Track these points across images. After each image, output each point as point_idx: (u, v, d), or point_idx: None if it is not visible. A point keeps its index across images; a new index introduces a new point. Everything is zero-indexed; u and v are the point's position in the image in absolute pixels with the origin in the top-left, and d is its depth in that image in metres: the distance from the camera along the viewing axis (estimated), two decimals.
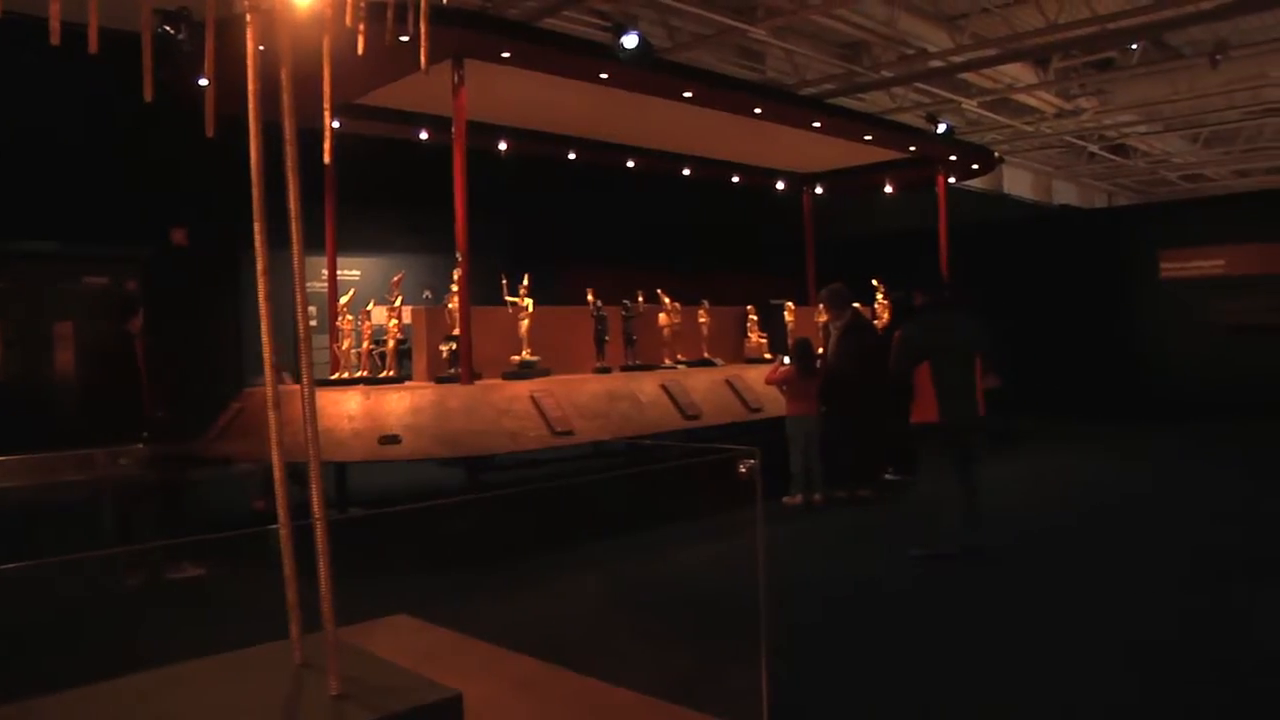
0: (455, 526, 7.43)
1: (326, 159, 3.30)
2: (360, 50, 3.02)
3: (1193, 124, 20.02)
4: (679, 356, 10.11)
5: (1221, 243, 16.14)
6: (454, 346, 7.76)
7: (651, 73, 8.49)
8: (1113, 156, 21.31)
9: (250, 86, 2.84)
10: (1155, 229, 17.17)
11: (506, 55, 7.58)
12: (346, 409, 7.03)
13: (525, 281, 8.41)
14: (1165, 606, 5.42)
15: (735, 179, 12.77)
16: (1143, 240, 16.89)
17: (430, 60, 3.27)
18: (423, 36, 3.15)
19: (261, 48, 2.85)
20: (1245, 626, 5.02)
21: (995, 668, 4.55)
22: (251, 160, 2.84)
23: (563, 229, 14.65)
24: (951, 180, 13.27)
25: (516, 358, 8.28)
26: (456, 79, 7.45)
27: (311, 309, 4.27)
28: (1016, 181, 21.29)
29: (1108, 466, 10.98)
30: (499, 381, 7.90)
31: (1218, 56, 13.42)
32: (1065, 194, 23.45)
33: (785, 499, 8.85)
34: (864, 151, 11.68)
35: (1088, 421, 14.36)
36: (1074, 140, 19.77)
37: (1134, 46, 14.55)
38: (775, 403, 9.35)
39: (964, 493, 6.95)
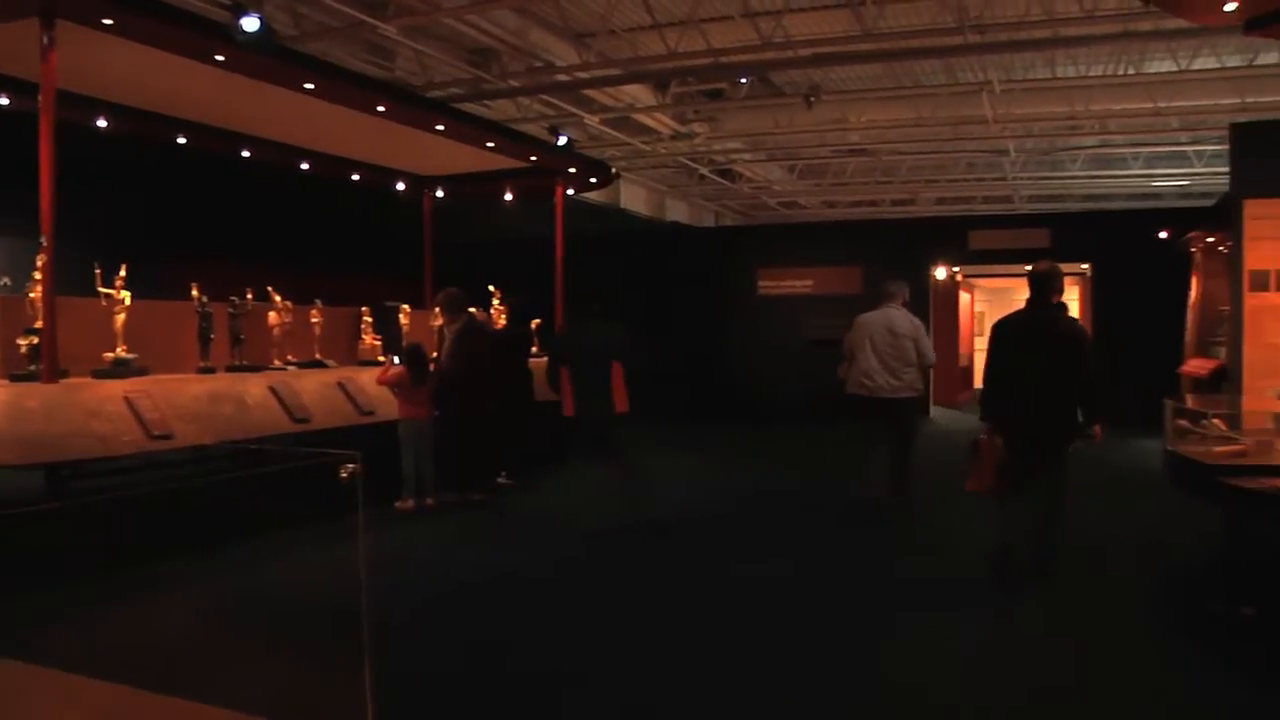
0: (28, 542, 6.66)
1: None
2: None
3: (790, 156, 21.79)
4: (289, 357, 9.65)
5: (810, 265, 17.75)
6: (35, 340, 6.92)
7: (271, 59, 8.04)
8: (721, 180, 22.72)
9: None
10: (756, 249, 18.61)
11: (109, 22, 6.86)
12: None
13: (122, 272, 7.65)
14: (773, 591, 5.83)
15: (355, 177, 12.37)
16: (745, 258, 18.23)
17: (8, 13, 2.84)
18: None
19: None
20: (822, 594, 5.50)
21: (612, 655, 4.70)
22: None
23: (168, 218, 13.61)
24: (570, 192, 13.60)
25: (110, 355, 7.53)
26: (46, 40, 6.63)
27: None
28: (633, 197, 22.20)
29: (715, 465, 11.81)
30: (89, 380, 7.15)
31: (811, 98, 14.65)
32: (677, 211, 24.76)
33: (397, 503, 8.75)
34: (486, 158, 11.69)
35: (695, 424, 15.26)
36: (687, 162, 20.90)
37: (743, 81, 15.59)
38: (389, 405, 9.18)
39: (627, 476, 7.95)
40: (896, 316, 8.51)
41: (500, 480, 9.89)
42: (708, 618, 5.85)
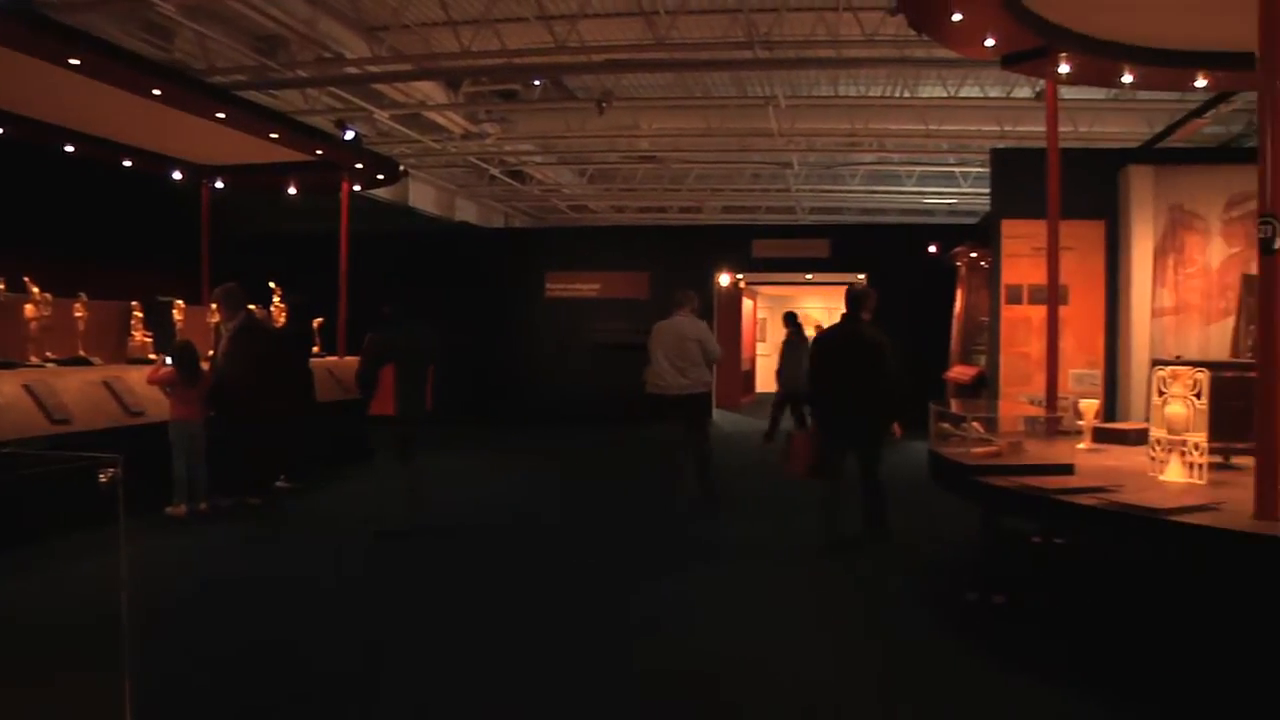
0: None
1: None
2: None
3: (581, 160, 21.90)
4: (49, 354, 9.02)
5: (598, 269, 17.91)
6: None
7: (29, 28, 7.49)
8: (511, 181, 22.62)
9: None
10: (544, 251, 18.63)
11: None
12: None
13: None
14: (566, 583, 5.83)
15: (127, 163, 11.69)
16: (533, 261, 18.22)
17: None
18: None
19: None
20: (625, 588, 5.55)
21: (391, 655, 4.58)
22: None
23: None
24: (357, 188, 13.28)
25: None
26: None
27: None
28: (422, 196, 21.81)
29: (503, 464, 11.77)
30: None
31: (603, 104, 14.78)
32: (466, 212, 24.48)
33: (169, 509, 8.34)
34: (270, 149, 11.28)
35: (481, 425, 15.14)
36: (477, 162, 20.70)
37: (536, 83, 15.58)
38: (160, 406, 8.70)
39: (409, 479, 8.05)
40: (683, 323, 9.15)
41: (279, 484, 9.55)
42: (475, 621, 5.82)
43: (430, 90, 15.46)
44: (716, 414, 17.79)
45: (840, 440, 7.71)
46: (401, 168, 14.34)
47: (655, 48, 12.84)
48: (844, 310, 7.83)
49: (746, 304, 22.86)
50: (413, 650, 5.20)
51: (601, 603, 6.26)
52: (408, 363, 8.14)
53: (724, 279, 18.68)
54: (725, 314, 19.19)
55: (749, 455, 13.05)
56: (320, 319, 11.53)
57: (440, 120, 16.81)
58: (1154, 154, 12.36)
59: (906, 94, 15.96)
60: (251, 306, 9.52)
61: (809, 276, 20.25)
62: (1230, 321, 9.53)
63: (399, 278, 15.77)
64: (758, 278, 20.43)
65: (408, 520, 7.94)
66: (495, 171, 21.57)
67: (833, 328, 8.05)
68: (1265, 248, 4.51)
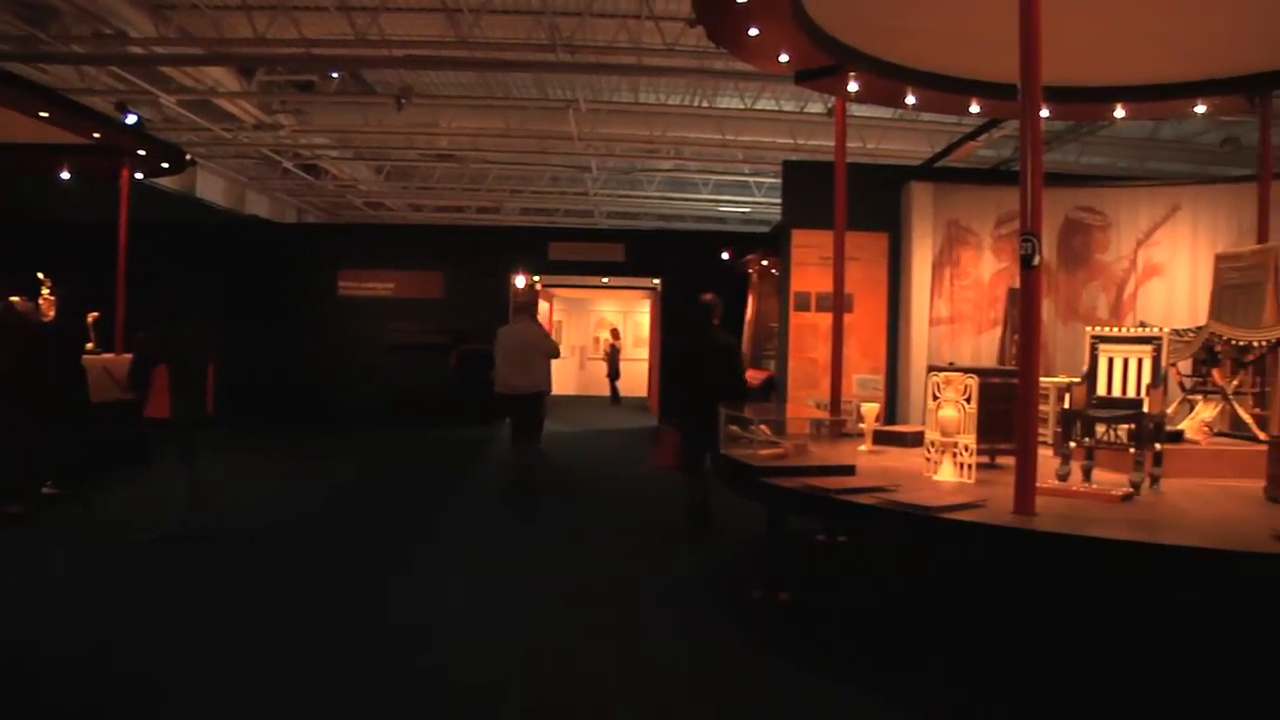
0: None
1: None
2: None
3: (379, 156, 21.50)
4: None
5: (393, 267, 17.56)
6: None
7: None
8: (306, 175, 21.98)
9: None
10: (338, 249, 18.10)
11: None
12: None
13: None
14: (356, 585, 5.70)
15: None
16: (327, 258, 17.69)
17: None
18: None
19: None
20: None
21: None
22: None
23: None
24: (139, 175, 12.60)
25: None
26: None
27: None
28: (210, 186, 20.89)
29: (295, 468, 11.39)
30: None
31: (403, 100, 14.54)
32: (258, 205, 23.60)
33: None
34: (41, 129, 10.53)
35: (270, 426, 14.56)
36: (270, 154, 20.00)
37: (334, 75, 15.19)
38: None
39: (187, 482, 7.75)
40: (522, 329, 9.92)
41: (46, 489, 8.93)
42: (245, 627, 5.64)
43: (221, 76, 14.85)
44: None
45: (696, 437, 7.97)
46: (189, 156, 13.69)
47: (457, 45, 12.74)
48: (697, 318, 8.49)
49: (543, 305, 22.88)
50: (173, 663, 4.99)
51: (383, 605, 6.15)
52: (184, 362, 7.72)
53: (520, 281, 18.64)
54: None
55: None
56: (96, 313, 10.86)
57: (232, 109, 16.16)
58: (934, 172, 13.07)
59: (705, 104, 16.39)
60: (15, 298, 8.91)
61: (605, 280, 20.48)
62: (998, 331, 10.21)
63: (183, 271, 15.08)
64: (554, 280, 20.49)
65: (184, 525, 7.56)
66: (289, 165, 20.92)
67: (688, 334, 8.77)
68: (1025, 263, 4.87)
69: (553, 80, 15.64)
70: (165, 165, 12.58)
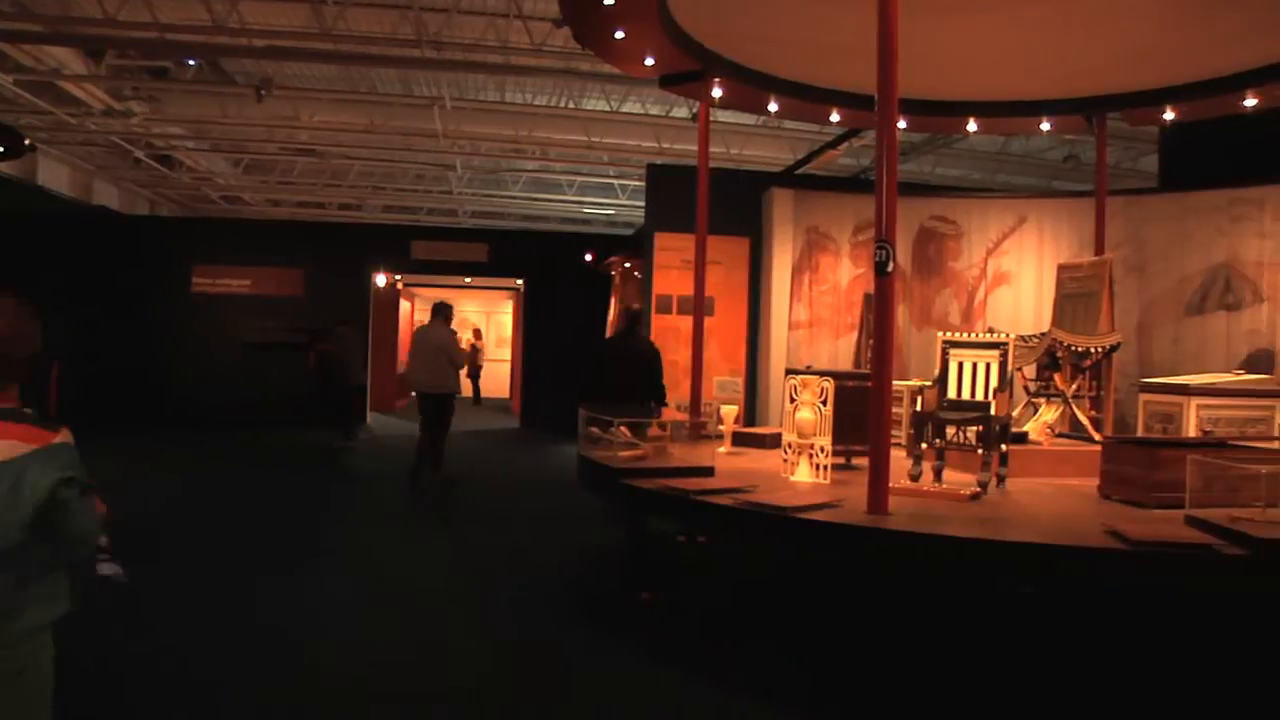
0: None
1: None
2: None
3: (237, 149, 20.91)
4: None
5: (250, 264, 17.11)
6: None
7: None
8: (159, 166, 21.22)
9: None
10: (192, 243, 17.53)
11: None
12: None
13: None
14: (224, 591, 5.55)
15: None
16: (180, 253, 17.12)
17: None
18: None
19: None
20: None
21: None
22: None
23: None
24: None
25: None
26: None
27: None
28: (53, 174, 19.95)
29: (143, 472, 11.00)
30: None
31: (263, 91, 14.20)
32: (106, 196, 22.63)
33: None
34: None
35: (119, 428, 14.01)
36: (121, 142, 19.22)
37: (190, 62, 14.76)
38: None
39: None
40: (433, 332, 10.46)
41: None
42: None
43: (66, 57, 14.24)
44: (371, 417, 17.49)
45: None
46: (28, 141, 13.13)
47: (321, 37, 12.55)
48: (623, 325, 9.02)
49: (404, 305, 22.63)
50: None
51: (230, 606, 6.06)
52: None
53: (381, 279, 18.40)
54: (382, 315, 18.88)
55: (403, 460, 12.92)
56: None
57: (78, 92, 15.47)
58: (795, 179, 13.39)
59: (571, 105, 16.48)
60: None
61: (468, 280, 20.37)
62: (855, 335, 10.56)
63: (21, 263, 14.44)
64: (416, 279, 20.28)
65: None
66: (140, 154, 20.13)
67: (612, 339, 9.59)
68: (879, 270, 5.10)
69: (418, 77, 15.52)
70: (1, 149, 12.04)
